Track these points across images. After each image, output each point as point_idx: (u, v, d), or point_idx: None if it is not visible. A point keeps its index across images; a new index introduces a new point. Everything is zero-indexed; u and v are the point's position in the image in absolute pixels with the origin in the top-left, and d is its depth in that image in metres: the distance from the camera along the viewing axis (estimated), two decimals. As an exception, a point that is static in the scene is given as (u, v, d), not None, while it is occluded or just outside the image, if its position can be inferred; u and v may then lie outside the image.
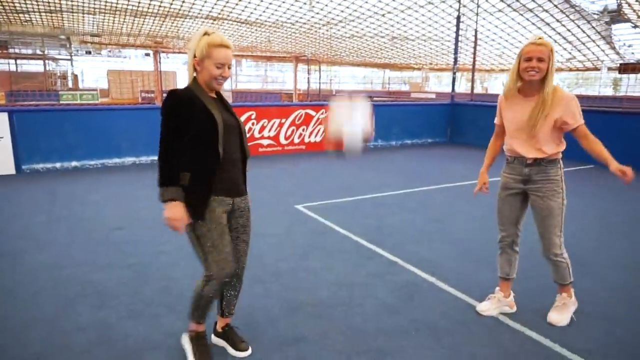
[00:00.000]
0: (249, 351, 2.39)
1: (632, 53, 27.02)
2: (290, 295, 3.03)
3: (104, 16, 26.19)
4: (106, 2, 23.19)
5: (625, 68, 22.20)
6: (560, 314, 2.74)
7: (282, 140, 8.82)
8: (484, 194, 3.10)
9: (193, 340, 2.34)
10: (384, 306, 2.90)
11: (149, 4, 24.10)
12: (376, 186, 6.23)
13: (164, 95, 2.23)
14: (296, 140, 8.97)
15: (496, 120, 2.82)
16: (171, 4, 24.39)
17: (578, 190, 6.24)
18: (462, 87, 39.77)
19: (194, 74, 2.09)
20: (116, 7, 24.00)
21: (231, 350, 2.39)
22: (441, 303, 2.95)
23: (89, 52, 35.18)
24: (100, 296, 2.97)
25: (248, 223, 2.33)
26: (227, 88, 37.45)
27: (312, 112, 9.06)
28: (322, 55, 36.20)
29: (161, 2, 23.92)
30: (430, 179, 6.75)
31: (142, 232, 4.20)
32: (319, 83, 25.55)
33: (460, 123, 10.84)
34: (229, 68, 2.11)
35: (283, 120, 8.75)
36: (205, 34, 2.03)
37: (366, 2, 25.59)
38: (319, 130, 9.17)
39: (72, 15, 25.98)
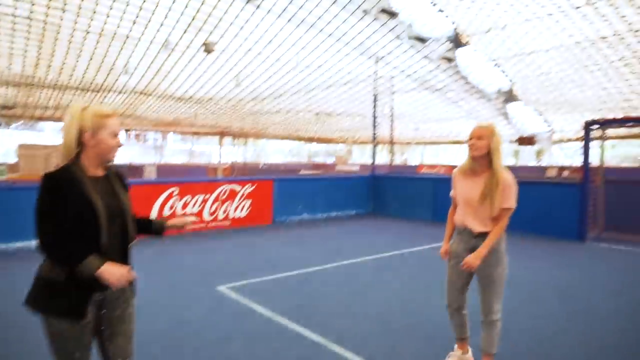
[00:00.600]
0: None
1: (527, 128, 30.55)
2: (208, 390, 2.82)
3: (18, 88, 25.07)
4: (22, 74, 22.34)
5: (522, 141, 24.94)
6: None
7: (206, 217, 8.63)
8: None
9: None
10: (307, 394, 2.78)
11: (70, 77, 23.56)
12: (301, 262, 6.20)
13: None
14: (220, 216, 8.81)
15: (451, 193, 3.08)
16: (94, 78, 24.04)
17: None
18: (384, 158, 42.08)
19: (75, 152, 1.97)
20: (32, 79, 23.16)
21: None
22: (365, 385, 2.90)
23: (-2, 125, 32.99)
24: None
25: (125, 314, 2.08)
26: (151, 162, 36.49)
27: (237, 187, 9.04)
28: (249, 129, 36.92)
29: (83, 76, 23.49)
30: (354, 252, 6.85)
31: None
32: (245, 157, 25.75)
33: (382, 194, 11.34)
34: None
35: (207, 196, 8.61)
36: (84, 108, 1.98)
37: (291, 80, 26.98)
38: (244, 206, 9.11)
39: (-20, 87, 24.57)
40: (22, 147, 24.62)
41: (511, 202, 2.78)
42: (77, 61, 22.28)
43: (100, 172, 2.04)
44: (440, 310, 4.27)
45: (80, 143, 1.97)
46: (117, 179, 2.12)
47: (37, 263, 1.95)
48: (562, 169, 22.28)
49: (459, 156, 43.99)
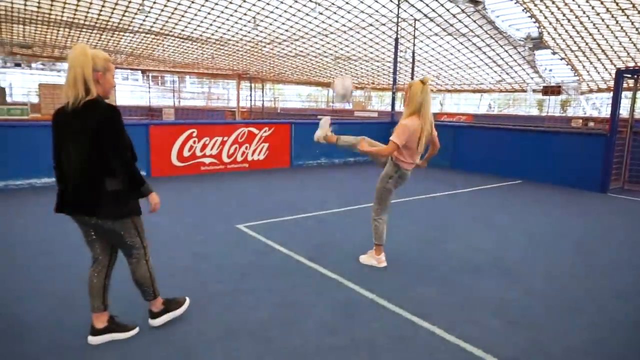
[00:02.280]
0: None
1: (553, 77, 29.38)
2: (229, 317, 2.96)
3: (36, 27, 24.85)
4: (38, 12, 22.05)
5: (547, 90, 24.06)
6: (366, 258, 4.03)
7: (225, 159, 8.70)
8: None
9: (170, 306, 2.83)
10: (324, 325, 2.90)
11: (86, 16, 23.19)
12: (318, 204, 6.29)
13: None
14: (239, 159, 8.88)
15: None
16: (110, 16, 23.62)
17: (507, 204, 6.63)
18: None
19: (93, 88, 2.35)
20: (49, 17, 22.88)
21: (123, 335, 2.66)
22: (380, 319, 3.00)
23: (19, 64, 33.04)
24: (21, 329, 2.75)
25: None
26: (169, 104, 36.49)
27: (255, 130, 9.03)
28: (267, 73, 36.32)
29: (99, 15, 23.09)
30: (370, 196, 6.87)
31: (70, 257, 3.96)
32: (262, 101, 25.56)
33: (401, 141, 11.22)
34: None
35: (225, 138, 8.65)
36: (85, 50, 2.32)
37: (310, 22, 26.11)
38: (262, 149, 9.14)
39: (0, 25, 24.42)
40: (42, 86, 24.69)
41: (394, 136, 3.57)
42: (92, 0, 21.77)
43: None
44: (455, 255, 4.34)
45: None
46: None
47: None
48: (587, 120, 21.58)
49: (481, 105, 42.80)
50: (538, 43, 26.49)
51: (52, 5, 21.26)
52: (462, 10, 25.07)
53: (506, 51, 28.56)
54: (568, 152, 8.21)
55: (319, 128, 4.25)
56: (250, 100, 25.16)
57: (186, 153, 8.23)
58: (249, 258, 4.08)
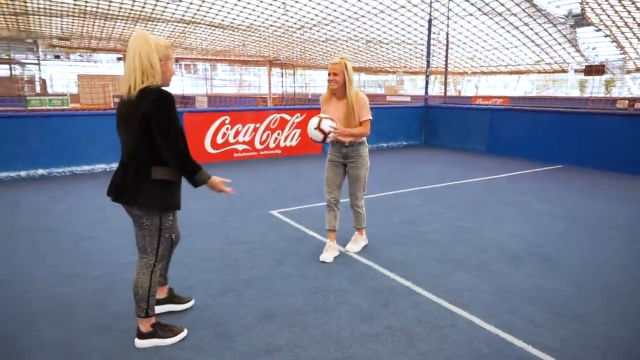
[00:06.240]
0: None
1: (596, 55, 27.95)
2: (264, 303, 2.98)
3: (73, 19, 25.56)
4: (74, 5, 22.64)
5: (590, 70, 22.92)
6: (354, 245, 3.94)
7: (257, 145, 8.75)
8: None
9: (159, 331, 2.49)
10: (359, 312, 2.88)
11: (120, 7, 23.66)
12: (351, 190, 6.23)
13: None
14: (271, 145, 8.91)
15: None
16: (143, 7, 24.02)
17: (546, 189, 6.38)
18: (437, 89, 40.36)
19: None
20: (85, 10, 23.46)
21: (179, 307, 2.83)
22: (416, 307, 2.95)
23: (58, 56, 34.24)
24: (64, 311, 2.85)
25: None
26: (202, 92, 37.02)
27: (287, 117, 9.01)
28: (297, 59, 36.19)
29: (132, 5, 23.51)
30: (404, 182, 6.78)
31: (112, 242, 4.08)
32: (294, 87, 25.55)
33: (434, 125, 10.98)
34: None
35: (258, 125, 8.68)
36: (147, 37, 2.26)
37: (340, 6, 25.74)
38: (294, 135, 9.13)
39: (39, 18, 25.26)
40: (81, 77, 25.46)
41: (367, 115, 3.54)
42: (126, -11, 22.19)
43: None
44: (492, 242, 4.21)
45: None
46: None
47: (100, 183, 2.10)
48: (634, 100, 20.45)
49: (518, 87, 41.30)
50: (580, 20, 25.22)
51: (88, -3, 21.79)
52: (499, -12, 24.14)
53: (545, 30, 27.36)
54: (612, 135, 7.81)
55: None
56: (282, 86, 25.17)
57: (219, 140, 8.32)
58: (283, 244, 4.10)
